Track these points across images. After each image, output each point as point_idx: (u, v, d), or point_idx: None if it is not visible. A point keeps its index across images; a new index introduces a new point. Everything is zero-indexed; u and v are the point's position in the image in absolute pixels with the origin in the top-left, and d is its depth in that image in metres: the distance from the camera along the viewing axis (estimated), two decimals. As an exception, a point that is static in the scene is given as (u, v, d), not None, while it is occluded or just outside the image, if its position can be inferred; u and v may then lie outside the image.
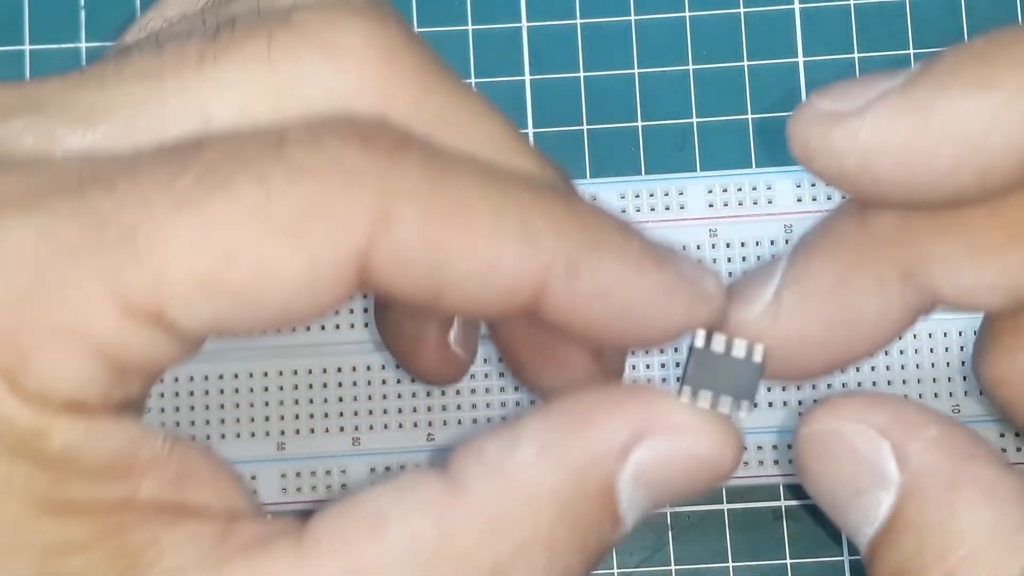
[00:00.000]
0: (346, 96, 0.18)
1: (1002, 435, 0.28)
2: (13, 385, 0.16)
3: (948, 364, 0.28)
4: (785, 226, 0.28)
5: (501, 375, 0.28)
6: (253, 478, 0.28)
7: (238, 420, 0.28)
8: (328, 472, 0.28)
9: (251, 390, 0.28)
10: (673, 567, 0.29)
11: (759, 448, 0.28)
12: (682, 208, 0.29)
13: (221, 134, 0.17)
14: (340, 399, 0.28)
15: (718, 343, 0.18)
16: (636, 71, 0.31)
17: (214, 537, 0.17)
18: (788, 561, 0.29)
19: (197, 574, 0.16)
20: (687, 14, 0.32)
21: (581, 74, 0.31)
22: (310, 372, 0.28)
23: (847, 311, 0.18)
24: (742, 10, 0.32)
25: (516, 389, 0.28)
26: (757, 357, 0.18)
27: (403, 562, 0.17)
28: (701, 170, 0.30)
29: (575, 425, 0.17)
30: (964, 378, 0.28)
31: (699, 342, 0.18)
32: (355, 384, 0.28)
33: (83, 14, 0.31)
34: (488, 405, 0.28)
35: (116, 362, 0.16)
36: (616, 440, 0.17)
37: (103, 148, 0.18)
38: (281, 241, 0.16)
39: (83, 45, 0.31)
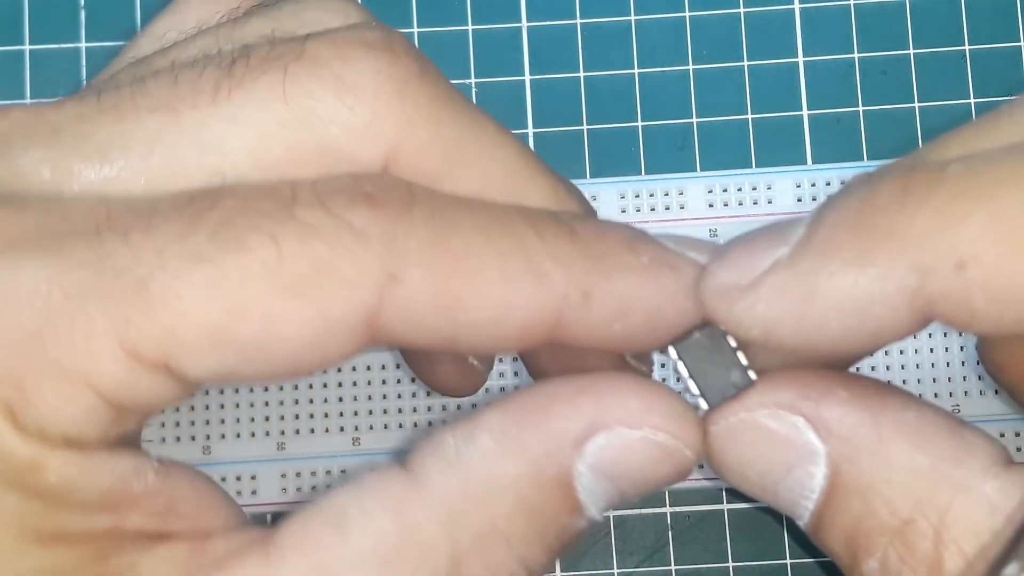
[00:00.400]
0: (360, 132, 0.18)
1: (1002, 435, 0.28)
2: (14, 420, 0.16)
3: (948, 364, 0.28)
4: (785, 226, 0.28)
5: (501, 375, 0.28)
6: (253, 478, 0.28)
7: (238, 420, 0.28)
8: (328, 472, 0.28)
9: (251, 390, 0.28)
10: (673, 567, 0.29)
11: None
12: (682, 208, 0.29)
13: (235, 187, 0.17)
14: (340, 399, 0.28)
15: (725, 339, 0.19)
16: (636, 71, 0.31)
17: (189, 554, 0.17)
18: (788, 561, 0.29)
19: (170, 571, 0.17)
20: (687, 14, 0.32)
21: (581, 74, 0.31)
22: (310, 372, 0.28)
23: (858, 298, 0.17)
24: (742, 10, 0.32)
25: (516, 389, 0.28)
26: (752, 375, 0.19)
27: (366, 559, 0.17)
28: (701, 170, 0.30)
29: (532, 416, 0.18)
30: (964, 378, 0.28)
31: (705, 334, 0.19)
32: (355, 384, 0.28)
33: (83, 14, 0.31)
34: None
35: (118, 404, 0.17)
36: (571, 431, 0.17)
37: (119, 182, 0.18)
38: (290, 299, 0.16)
39: (83, 45, 0.31)
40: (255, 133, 0.18)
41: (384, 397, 0.28)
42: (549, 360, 0.22)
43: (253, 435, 0.28)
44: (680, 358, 0.19)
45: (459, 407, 0.28)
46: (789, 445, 0.18)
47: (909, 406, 0.18)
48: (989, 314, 0.16)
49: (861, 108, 0.31)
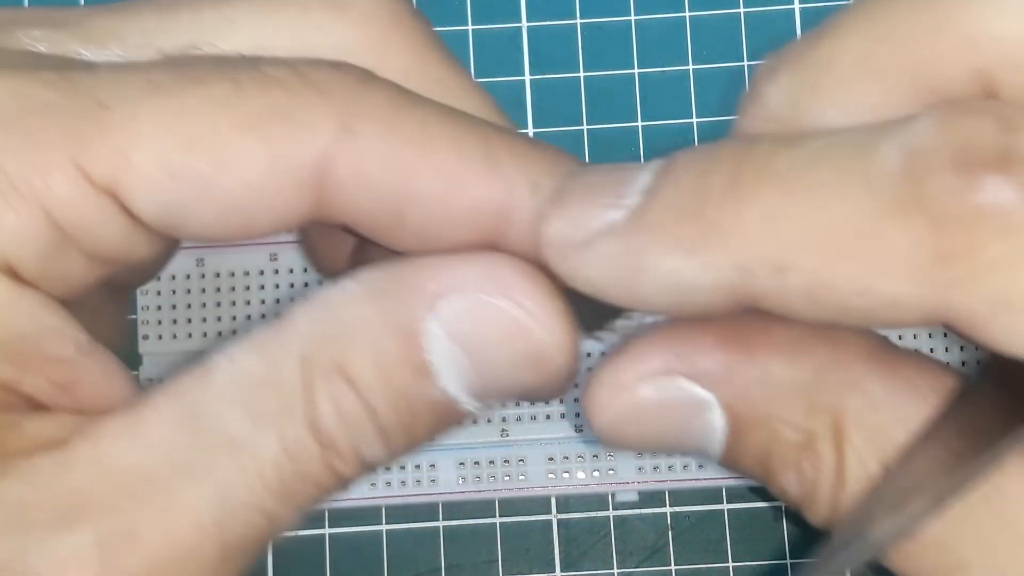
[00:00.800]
0: (345, 46, 0.18)
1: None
2: None
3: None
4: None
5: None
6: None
7: (238, 420, 0.28)
8: (328, 472, 0.28)
9: (251, 390, 0.28)
10: (673, 567, 0.29)
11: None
12: (682, 208, 0.29)
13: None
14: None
15: None
16: (636, 71, 0.31)
17: (75, 423, 0.17)
18: (788, 561, 0.29)
19: (51, 433, 0.17)
20: (687, 14, 0.32)
21: (581, 74, 0.31)
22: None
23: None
24: (742, 10, 0.32)
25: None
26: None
27: (229, 397, 0.17)
28: (701, 170, 0.30)
29: (398, 269, 0.18)
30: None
31: None
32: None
33: (83, 14, 0.31)
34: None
35: (61, 225, 0.17)
36: (430, 287, 0.17)
37: None
38: (244, 134, 0.17)
39: (83, 45, 0.31)
40: (248, 35, 0.19)
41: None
42: None
43: (253, 435, 0.28)
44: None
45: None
46: (679, 406, 0.19)
47: (775, 326, 0.18)
48: (807, 314, 0.16)
49: (861, 108, 0.31)
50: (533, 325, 0.18)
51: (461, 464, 0.28)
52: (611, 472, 0.28)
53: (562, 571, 0.29)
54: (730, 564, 0.29)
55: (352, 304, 0.18)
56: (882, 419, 0.18)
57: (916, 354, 0.19)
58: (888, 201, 0.15)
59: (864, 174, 0.15)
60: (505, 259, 0.18)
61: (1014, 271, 0.15)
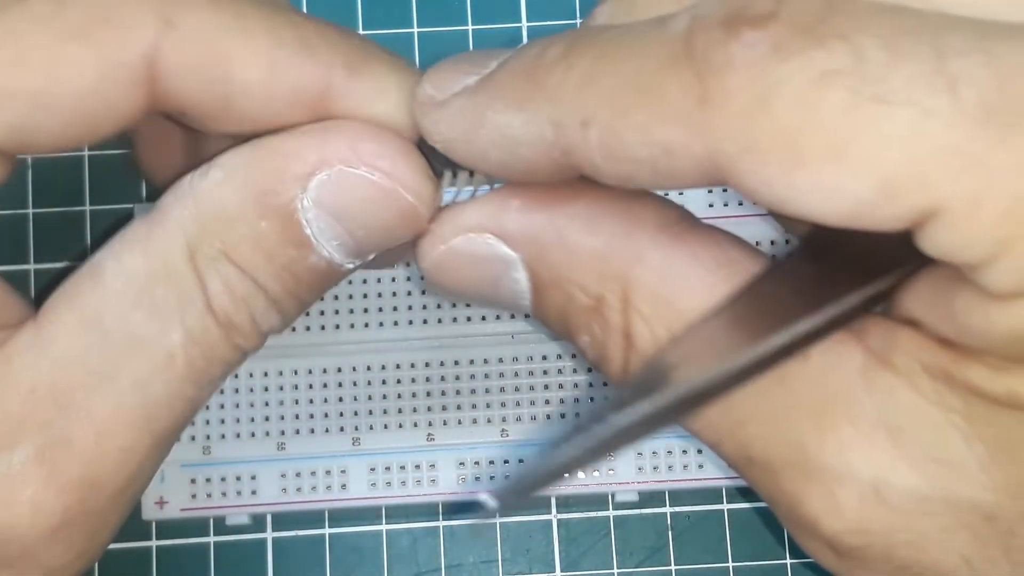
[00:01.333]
0: None
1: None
2: None
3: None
4: (785, 226, 0.28)
5: (502, 375, 0.28)
6: (253, 478, 0.28)
7: (238, 420, 0.28)
8: (328, 472, 0.28)
9: (251, 390, 0.28)
10: (673, 567, 0.29)
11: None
12: (682, 208, 0.29)
13: None
14: (340, 399, 0.28)
15: None
16: (636, 71, 0.31)
17: None
18: (788, 561, 0.29)
19: None
20: (687, 14, 0.32)
21: (581, 74, 0.31)
22: (310, 372, 0.28)
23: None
24: (742, 10, 0.32)
25: (516, 389, 0.28)
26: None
27: (125, 295, 0.19)
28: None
29: (262, 154, 0.19)
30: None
31: None
32: (355, 384, 0.28)
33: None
34: (488, 406, 0.28)
35: None
36: (295, 167, 0.19)
37: None
38: (70, 44, 0.18)
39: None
40: None
41: (384, 397, 0.28)
42: None
43: (253, 435, 0.28)
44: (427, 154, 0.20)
45: (459, 408, 0.28)
46: (488, 261, 0.20)
47: (580, 196, 0.20)
48: (608, 170, 0.17)
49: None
50: (395, 186, 0.19)
51: (461, 464, 0.28)
52: (611, 472, 0.28)
53: (562, 571, 0.29)
54: (730, 564, 0.29)
55: (224, 191, 0.19)
56: (666, 288, 0.19)
57: (716, 231, 0.20)
58: (668, 56, 0.17)
59: (657, 38, 0.17)
60: (360, 128, 0.19)
61: (758, 116, 0.16)
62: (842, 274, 0.18)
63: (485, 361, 0.28)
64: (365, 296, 0.28)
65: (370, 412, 0.28)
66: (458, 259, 0.20)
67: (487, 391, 0.28)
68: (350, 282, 0.28)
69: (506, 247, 0.20)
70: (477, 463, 0.28)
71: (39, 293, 0.29)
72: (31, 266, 0.30)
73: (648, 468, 0.28)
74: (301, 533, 0.29)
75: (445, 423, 0.28)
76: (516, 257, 0.20)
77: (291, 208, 0.19)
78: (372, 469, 0.28)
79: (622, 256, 0.19)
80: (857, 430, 0.17)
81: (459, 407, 0.28)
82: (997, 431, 0.17)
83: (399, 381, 0.28)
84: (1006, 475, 0.17)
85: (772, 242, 0.28)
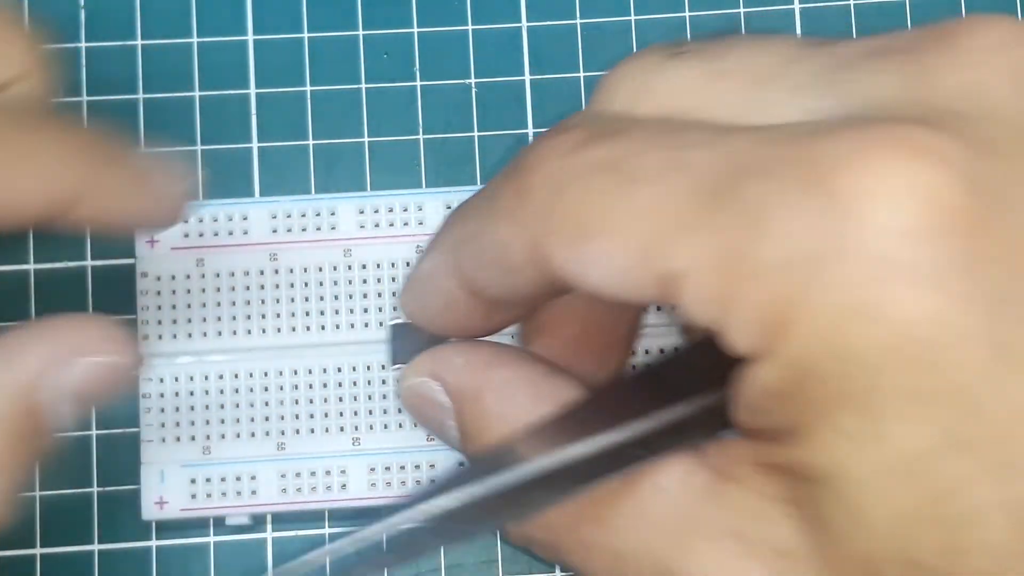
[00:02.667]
0: None
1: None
2: None
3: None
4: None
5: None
6: (253, 478, 0.28)
7: (238, 420, 0.28)
8: (328, 472, 0.28)
9: (251, 390, 0.28)
10: (673, 567, 0.29)
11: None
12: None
13: None
14: (340, 399, 0.28)
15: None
16: (636, 71, 0.31)
17: None
18: (788, 561, 0.29)
19: None
20: (687, 14, 0.32)
21: (581, 74, 0.31)
22: (310, 372, 0.28)
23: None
24: (742, 10, 0.32)
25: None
26: None
27: None
28: (701, 170, 0.30)
29: (5, 357, 0.21)
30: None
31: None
32: (355, 384, 0.28)
33: (83, 14, 0.31)
34: (488, 405, 0.28)
35: None
36: (34, 369, 0.21)
37: None
38: None
39: (83, 45, 0.31)
40: None
41: (384, 397, 0.28)
42: None
43: (253, 435, 0.28)
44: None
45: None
46: (435, 404, 0.25)
47: (509, 364, 0.24)
48: (480, 281, 0.22)
49: (861, 108, 0.31)
50: (120, 360, 0.21)
51: (461, 464, 0.28)
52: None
53: (562, 571, 0.29)
54: (730, 564, 0.29)
55: None
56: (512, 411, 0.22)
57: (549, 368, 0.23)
58: (508, 167, 0.21)
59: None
60: (81, 322, 0.22)
61: (554, 203, 0.19)
62: (678, 389, 0.21)
63: (485, 361, 0.28)
64: (365, 296, 0.28)
65: (370, 412, 0.28)
66: (417, 397, 0.25)
67: (487, 391, 0.28)
68: (350, 282, 0.28)
69: (446, 397, 0.24)
70: (477, 463, 0.28)
71: (38, 293, 0.29)
72: (31, 266, 0.30)
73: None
74: (300, 533, 0.29)
75: (445, 423, 0.28)
76: (450, 406, 0.24)
77: (38, 407, 0.21)
78: (372, 469, 0.28)
79: (524, 424, 0.21)
80: (711, 544, 0.19)
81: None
82: (814, 506, 0.18)
83: (399, 381, 0.28)
84: (824, 551, 0.18)
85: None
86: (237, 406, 0.28)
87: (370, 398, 0.28)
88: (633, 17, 0.31)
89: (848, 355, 0.17)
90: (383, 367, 0.28)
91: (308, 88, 0.31)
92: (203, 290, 0.28)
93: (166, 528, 0.29)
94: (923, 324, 0.16)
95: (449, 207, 0.28)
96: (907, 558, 0.17)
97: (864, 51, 0.19)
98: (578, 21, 0.31)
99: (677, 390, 0.21)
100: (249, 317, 0.28)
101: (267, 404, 0.28)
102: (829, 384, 0.17)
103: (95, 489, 0.29)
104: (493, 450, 0.21)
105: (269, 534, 0.29)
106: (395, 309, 0.28)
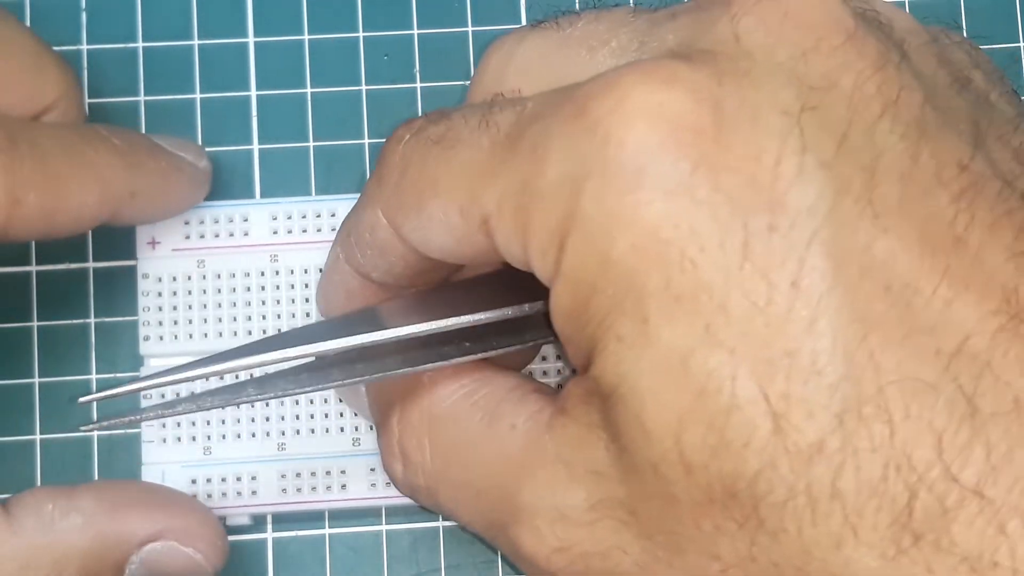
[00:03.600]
0: None
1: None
2: None
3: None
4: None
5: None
6: (253, 478, 0.28)
7: (238, 420, 0.28)
8: (328, 472, 0.28)
9: (251, 390, 0.28)
10: (673, 567, 0.29)
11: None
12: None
13: None
14: (340, 399, 0.28)
15: None
16: (635, 72, 0.31)
17: None
18: (788, 561, 0.29)
19: None
20: (686, 15, 0.32)
21: (581, 75, 0.31)
22: (310, 372, 0.28)
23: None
24: (741, 11, 0.32)
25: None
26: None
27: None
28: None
29: (117, 512, 0.25)
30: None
31: None
32: (355, 384, 0.28)
33: (84, 16, 0.31)
34: (487, 405, 0.28)
35: None
36: (139, 533, 0.25)
37: None
38: None
39: (84, 48, 0.31)
40: None
41: (384, 397, 0.28)
42: None
43: (253, 435, 0.28)
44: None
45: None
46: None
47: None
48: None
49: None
50: (204, 563, 0.25)
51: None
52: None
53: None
54: (730, 564, 0.29)
55: (72, 534, 0.24)
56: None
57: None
58: None
59: None
60: (193, 511, 0.26)
61: (399, 181, 0.22)
62: (511, 296, 0.23)
63: (484, 361, 0.28)
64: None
65: (370, 412, 0.28)
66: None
67: (486, 391, 0.28)
68: None
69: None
70: (476, 463, 0.28)
71: (40, 295, 0.30)
72: (32, 268, 0.30)
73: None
74: (301, 533, 0.29)
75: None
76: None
77: (124, 565, 0.25)
78: (372, 469, 0.28)
79: (410, 394, 0.24)
80: (545, 471, 0.21)
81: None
82: (613, 423, 0.19)
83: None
84: (623, 465, 0.19)
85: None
86: (237, 406, 0.28)
87: (370, 398, 0.28)
88: (632, 18, 0.31)
89: (613, 262, 0.18)
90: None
91: (308, 90, 0.31)
92: (204, 291, 0.28)
93: (167, 528, 0.29)
94: (671, 227, 0.18)
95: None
96: (682, 460, 0.18)
97: (670, 13, 0.21)
98: (578, 22, 0.31)
99: (510, 297, 0.23)
100: (249, 317, 0.28)
101: (267, 404, 0.28)
102: (605, 294, 0.19)
103: (97, 489, 0.29)
104: (358, 312, 0.23)
105: (269, 534, 0.29)
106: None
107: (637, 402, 0.19)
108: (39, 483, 0.29)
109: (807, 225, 0.18)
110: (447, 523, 0.29)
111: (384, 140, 0.23)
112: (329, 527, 0.29)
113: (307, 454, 0.28)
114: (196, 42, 0.31)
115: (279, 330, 0.28)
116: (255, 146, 0.31)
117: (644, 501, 0.19)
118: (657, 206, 0.18)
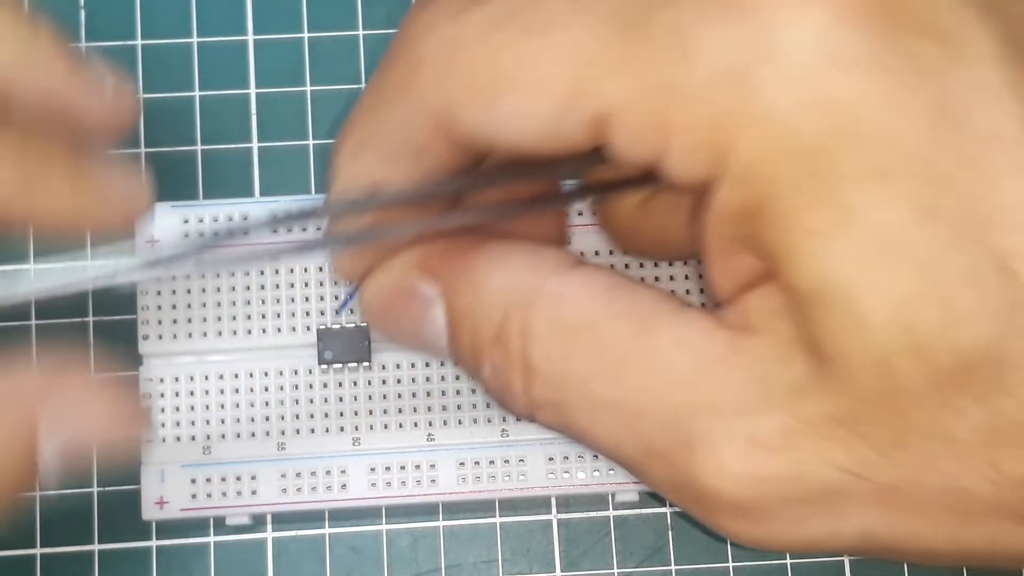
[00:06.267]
0: None
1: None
2: None
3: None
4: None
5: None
6: (253, 478, 0.28)
7: (238, 420, 0.28)
8: (328, 472, 0.28)
9: (251, 390, 0.28)
10: (673, 567, 0.29)
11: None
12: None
13: None
14: (340, 399, 0.28)
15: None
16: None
17: None
18: (788, 561, 0.29)
19: None
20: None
21: (581, 74, 0.31)
22: (310, 372, 0.28)
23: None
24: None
25: (516, 389, 0.28)
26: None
27: None
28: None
29: (13, 394, 0.20)
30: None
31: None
32: (355, 384, 0.28)
33: (83, 14, 0.31)
34: (488, 406, 0.28)
35: None
36: (37, 420, 0.20)
37: None
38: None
39: (83, 45, 0.31)
40: None
41: (384, 397, 0.28)
42: None
43: (253, 435, 0.28)
44: None
45: (459, 408, 0.28)
46: (414, 298, 0.23)
47: (494, 242, 0.22)
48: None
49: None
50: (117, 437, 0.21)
51: (461, 464, 0.28)
52: (611, 472, 0.28)
53: (562, 571, 0.29)
54: (730, 564, 0.29)
55: None
56: (561, 312, 0.21)
57: (602, 268, 0.22)
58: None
59: None
60: (90, 388, 0.21)
61: (449, 73, 0.19)
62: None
63: (485, 361, 0.28)
64: (365, 296, 0.28)
65: (370, 412, 0.28)
66: (392, 297, 0.23)
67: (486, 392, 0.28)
68: (350, 282, 0.28)
69: (428, 286, 0.23)
70: (477, 463, 0.28)
71: (39, 293, 0.29)
72: (31, 265, 0.30)
73: (648, 468, 0.28)
74: (301, 533, 0.29)
75: (445, 423, 0.28)
76: (436, 294, 0.22)
77: (33, 448, 0.20)
78: (372, 469, 0.28)
79: (524, 287, 0.21)
80: (732, 394, 0.19)
81: (459, 407, 0.28)
82: (815, 330, 0.18)
83: (399, 381, 0.28)
84: (830, 375, 0.18)
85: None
86: (237, 406, 0.28)
87: (370, 398, 0.28)
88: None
89: (802, 149, 0.17)
90: (383, 367, 0.28)
91: (308, 88, 0.31)
92: (203, 290, 0.28)
93: (166, 528, 0.29)
94: (865, 103, 0.17)
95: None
96: (913, 343, 0.17)
97: None
98: (578, 21, 0.31)
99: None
100: (249, 317, 0.28)
101: (267, 404, 0.28)
102: (790, 185, 0.17)
103: (95, 489, 0.29)
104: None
105: (269, 534, 0.29)
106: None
107: (850, 297, 0.17)
108: (38, 487, 0.28)
109: (998, 72, 0.17)
110: (447, 523, 0.29)
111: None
112: (329, 527, 0.29)
113: (307, 454, 0.28)
114: (195, 39, 0.31)
115: (279, 329, 0.28)
116: (254, 144, 0.31)
117: (857, 407, 0.18)
118: (850, 83, 0.17)
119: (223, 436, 0.28)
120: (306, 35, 0.31)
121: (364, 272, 0.24)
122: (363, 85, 0.31)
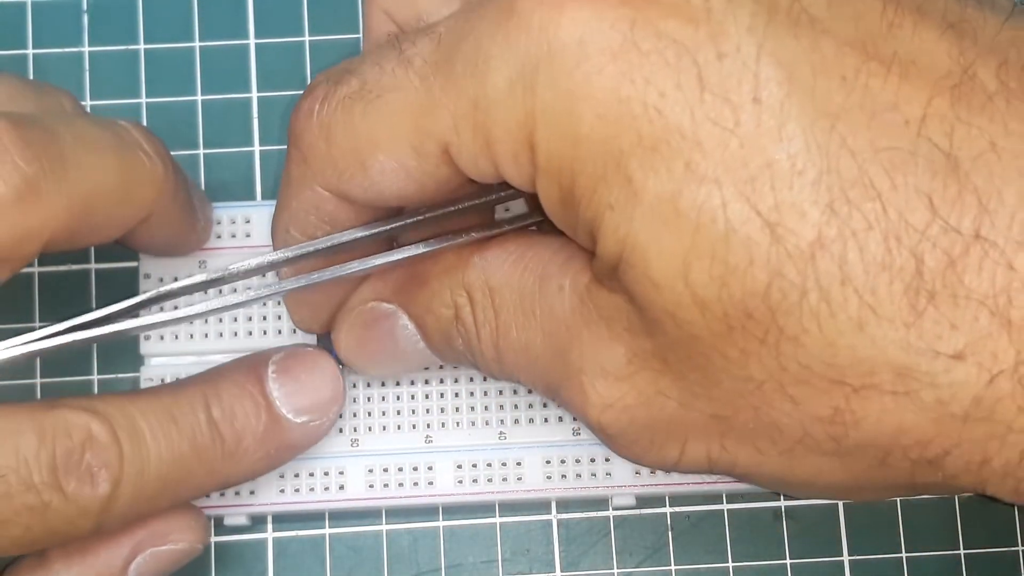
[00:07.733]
0: None
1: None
2: None
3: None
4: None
5: (499, 377, 0.28)
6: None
7: (238, 421, 0.28)
8: (327, 472, 0.28)
9: (252, 391, 0.28)
10: (673, 567, 0.29)
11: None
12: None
13: None
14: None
15: None
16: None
17: None
18: (788, 561, 0.29)
19: None
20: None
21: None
22: (310, 374, 0.28)
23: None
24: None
25: (515, 392, 0.28)
26: None
27: None
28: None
29: (87, 556, 0.25)
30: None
31: None
32: (355, 385, 0.28)
33: (85, 19, 0.31)
34: (487, 408, 0.28)
35: None
36: (116, 564, 0.25)
37: None
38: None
39: (86, 50, 0.31)
40: None
41: (383, 399, 0.28)
42: None
43: (253, 436, 0.28)
44: None
45: (458, 411, 0.28)
46: (379, 317, 0.25)
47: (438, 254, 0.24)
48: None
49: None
50: (192, 547, 0.26)
51: (459, 467, 0.28)
52: (608, 476, 0.28)
53: (562, 571, 0.29)
54: (730, 564, 0.29)
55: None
56: (488, 276, 0.24)
57: (522, 234, 0.24)
58: None
59: None
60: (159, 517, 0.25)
61: (324, 140, 0.22)
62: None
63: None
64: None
65: (369, 413, 0.28)
66: (361, 326, 0.25)
67: (485, 394, 0.28)
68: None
69: (386, 304, 0.25)
70: (475, 465, 0.28)
71: (42, 295, 0.30)
72: (35, 269, 0.30)
73: (645, 473, 0.28)
74: (301, 533, 0.29)
75: (443, 425, 0.28)
76: (395, 307, 0.25)
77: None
78: (370, 470, 0.28)
79: (458, 268, 0.24)
80: (588, 331, 0.22)
81: (457, 409, 0.28)
82: (629, 288, 0.20)
83: (398, 383, 0.28)
84: (645, 319, 0.20)
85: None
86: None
87: (369, 399, 0.28)
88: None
89: (585, 138, 0.19)
90: (382, 369, 0.28)
91: (309, 91, 0.31)
92: (204, 292, 0.28)
93: (168, 528, 0.29)
94: (628, 84, 0.19)
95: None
96: (695, 299, 0.19)
97: None
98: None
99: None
100: (250, 318, 0.28)
101: (267, 405, 0.28)
102: (586, 172, 0.19)
103: (99, 489, 0.29)
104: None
105: (269, 534, 0.29)
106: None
107: (641, 259, 0.19)
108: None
109: (751, 42, 0.18)
110: (447, 523, 0.29)
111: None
112: (329, 527, 0.29)
113: (307, 454, 0.28)
114: (197, 44, 0.31)
115: (279, 331, 0.28)
116: (256, 148, 0.31)
117: (670, 348, 0.20)
118: (608, 70, 0.19)
119: (223, 437, 0.28)
120: (307, 39, 0.31)
121: (325, 321, 0.26)
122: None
